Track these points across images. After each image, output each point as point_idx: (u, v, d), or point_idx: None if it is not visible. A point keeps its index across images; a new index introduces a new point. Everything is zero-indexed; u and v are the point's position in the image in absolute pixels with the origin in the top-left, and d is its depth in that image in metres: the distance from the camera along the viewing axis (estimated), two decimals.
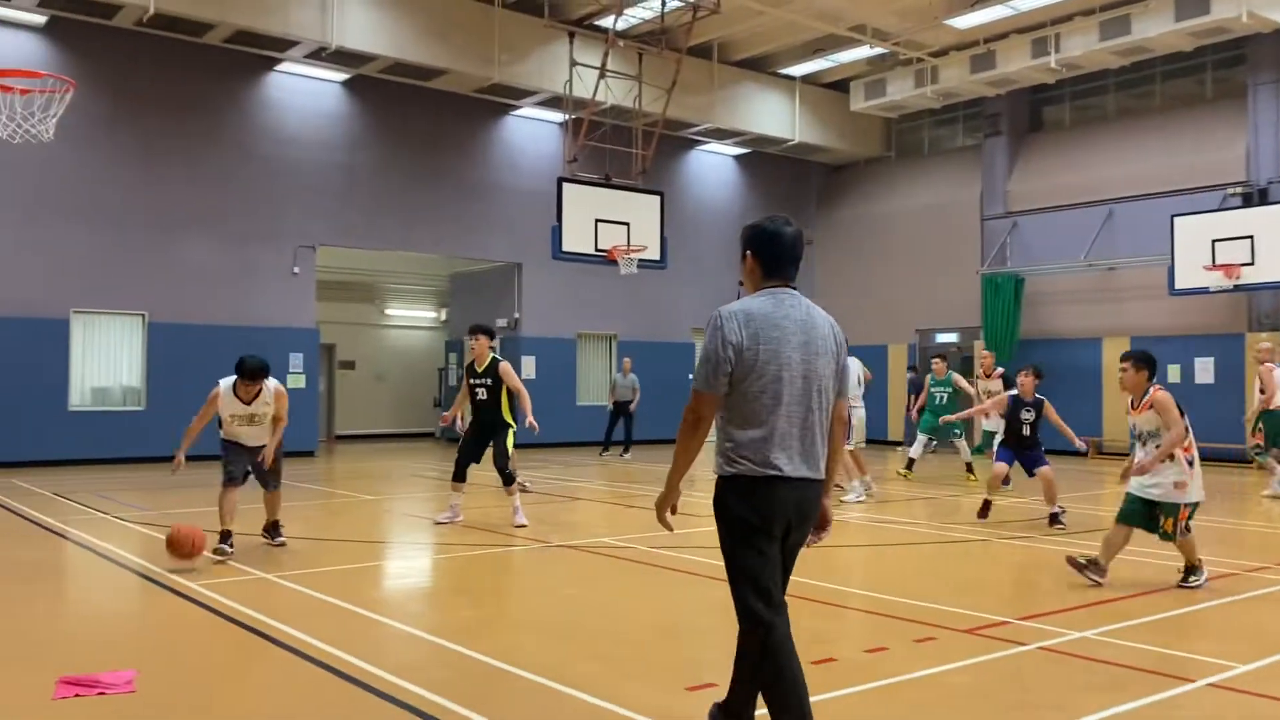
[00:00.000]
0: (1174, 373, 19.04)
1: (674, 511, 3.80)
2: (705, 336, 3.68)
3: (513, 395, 10.06)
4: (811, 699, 4.53)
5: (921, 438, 15.31)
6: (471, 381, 10.05)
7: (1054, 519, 10.16)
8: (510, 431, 10.07)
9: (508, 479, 10.06)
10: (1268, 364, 12.79)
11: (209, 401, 8.23)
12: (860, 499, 12.08)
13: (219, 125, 18.11)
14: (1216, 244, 17.38)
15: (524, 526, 9.80)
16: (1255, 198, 17.97)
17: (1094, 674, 5.02)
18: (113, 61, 17.02)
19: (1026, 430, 10.38)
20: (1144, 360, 7.21)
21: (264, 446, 8.42)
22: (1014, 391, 10.59)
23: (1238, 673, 5.00)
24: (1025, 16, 18.89)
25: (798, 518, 3.67)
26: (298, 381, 18.66)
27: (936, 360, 15.34)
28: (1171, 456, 6.93)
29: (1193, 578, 7.08)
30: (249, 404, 8.23)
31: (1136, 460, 7.14)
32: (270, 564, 7.87)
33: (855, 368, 12.71)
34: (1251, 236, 17.02)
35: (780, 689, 3.59)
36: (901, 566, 8.36)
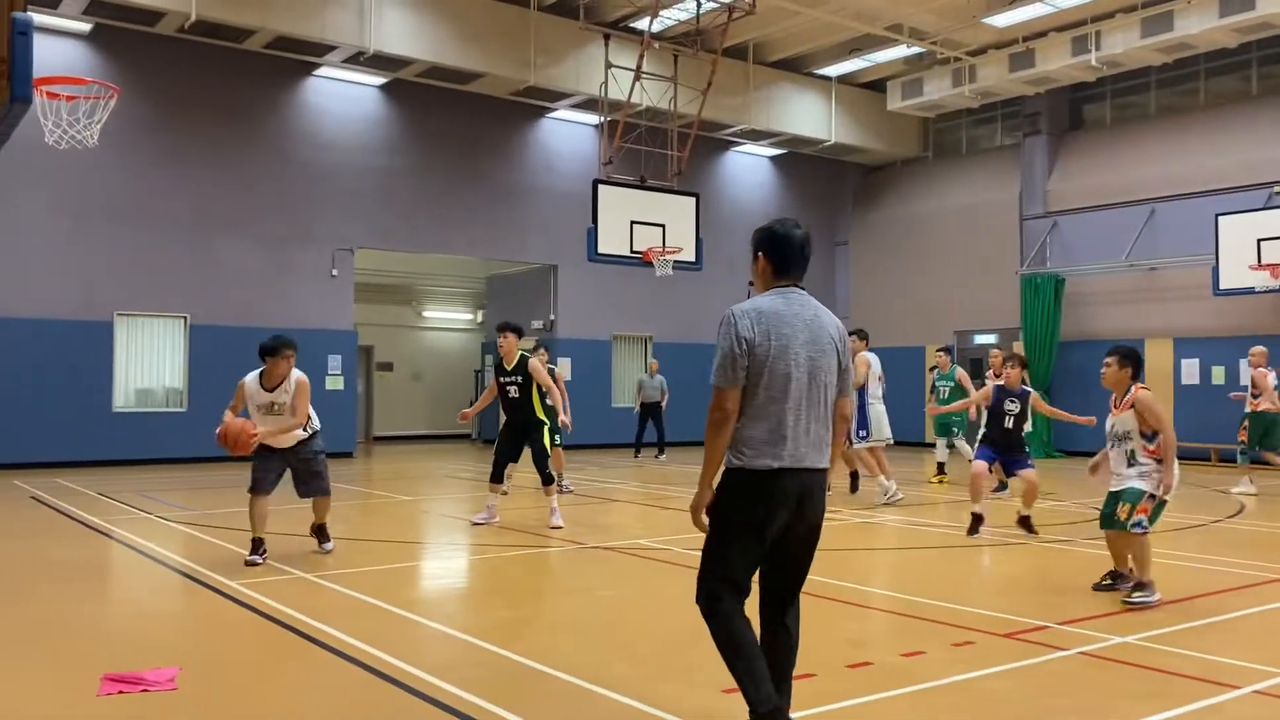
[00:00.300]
0: (1218, 374, 18.74)
1: (710, 513, 3.84)
2: (719, 335, 3.80)
3: (544, 392, 10.05)
4: (848, 703, 4.52)
5: (940, 440, 15.09)
6: (501, 380, 10.02)
7: (1026, 523, 9.42)
8: (545, 429, 10.07)
9: (546, 479, 10.08)
10: (1261, 368, 13.23)
11: (236, 394, 8.02)
12: (891, 499, 11.94)
13: (258, 129, 18.35)
14: (1262, 243, 17.07)
15: (559, 528, 9.81)
16: None
17: (1137, 680, 4.94)
18: (155, 68, 17.30)
19: (1009, 422, 9.48)
20: (1128, 357, 6.89)
21: (295, 450, 8.18)
22: (999, 381, 9.80)
23: None
24: (1065, 14, 18.67)
25: (798, 507, 3.76)
26: (336, 383, 18.86)
27: (940, 354, 15.14)
28: (1159, 460, 6.66)
29: (1139, 594, 6.56)
30: (271, 391, 7.91)
31: (1096, 459, 7.11)
32: (310, 564, 7.96)
33: (876, 365, 12.59)
34: None
35: (747, 674, 3.69)
36: (937, 569, 8.29)
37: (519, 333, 10.14)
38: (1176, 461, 6.78)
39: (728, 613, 3.75)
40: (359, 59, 17.80)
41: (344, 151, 19.15)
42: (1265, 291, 17.33)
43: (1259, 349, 13.61)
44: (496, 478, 10.17)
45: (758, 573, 3.89)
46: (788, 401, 3.73)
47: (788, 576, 3.90)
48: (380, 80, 19.24)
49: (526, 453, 10.15)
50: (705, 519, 3.84)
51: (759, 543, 3.75)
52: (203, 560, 8.04)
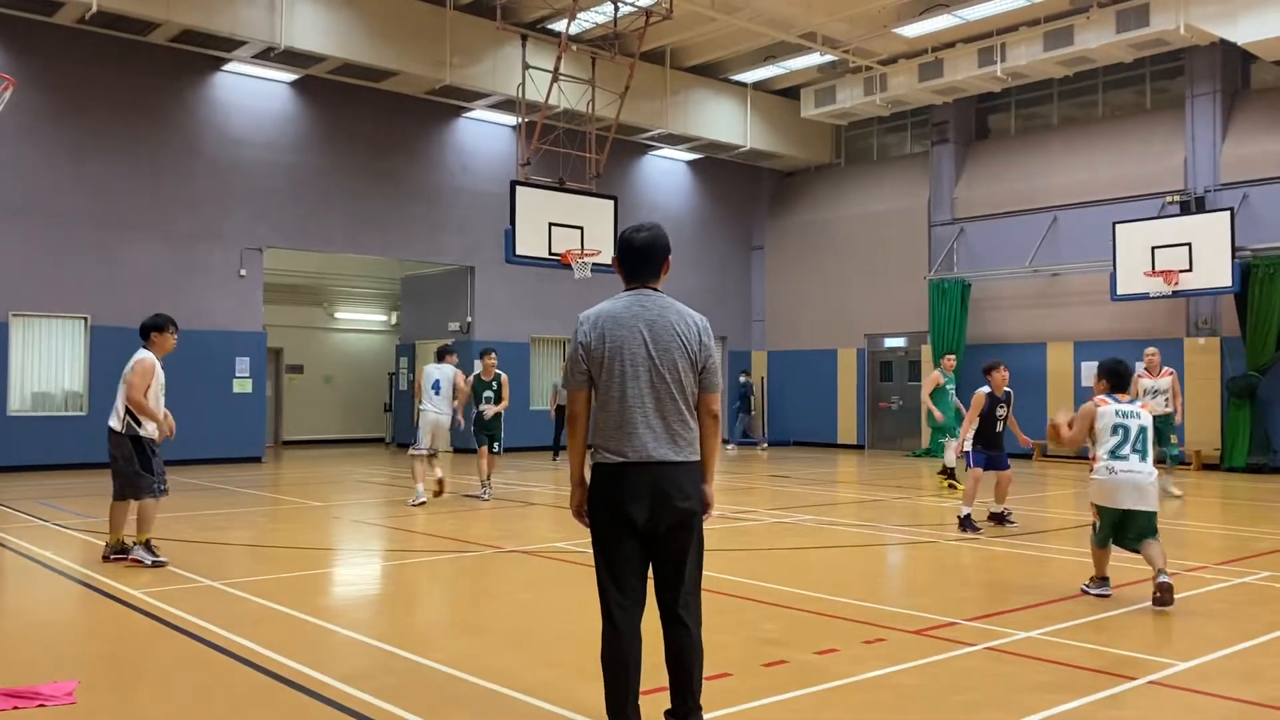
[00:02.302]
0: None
1: (581, 507, 4.03)
2: None
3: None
4: (764, 701, 4.58)
5: (951, 442, 14.24)
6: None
7: (1000, 518, 10.36)
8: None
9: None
10: (1146, 375, 13.02)
11: (144, 373, 7.88)
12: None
13: (164, 125, 17.81)
14: (1156, 250, 17.79)
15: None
16: (1193, 206, 18.41)
17: (1039, 673, 5.10)
18: (54, 59, 16.67)
19: (1000, 426, 10.32)
20: (1100, 371, 7.21)
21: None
22: (987, 388, 10.35)
23: (1178, 670, 5.12)
24: (972, 26, 19.21)
25: (656, 499, 3.83)
26: (244, 386, 18.41)
27: (948, 356, 14.81)
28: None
29: (1089, 585, 7.01)
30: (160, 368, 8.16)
31: None
32: (216, 571, 7.75)
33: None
34: (1189, 244, 17.44)
35: (609, 675, 3.85)
36: (851, 568, 8.44)
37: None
38: (1093, 471, 6.99)
39: (604, 626, 3.87)
40: (269, 55, 17.40)
41: (254, 149, 18.70)
42: (1159, 297, 18.06)
43: (1153, 351, 13.23)
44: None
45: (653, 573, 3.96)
46: (627, 398, 3.86)
47: (665, 572, 3.92)
48: (291, 76, 18.84)
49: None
50: (585, 518, 4.01)
51: (628, 536, 3.85)
52: (103, 569, 7.76)
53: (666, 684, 3.89)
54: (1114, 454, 6.78)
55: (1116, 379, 7.09)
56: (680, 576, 3.91)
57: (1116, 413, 6.90)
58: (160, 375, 8.10)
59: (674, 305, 4.02)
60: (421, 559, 8.82)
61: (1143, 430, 6.82)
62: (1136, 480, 6.71)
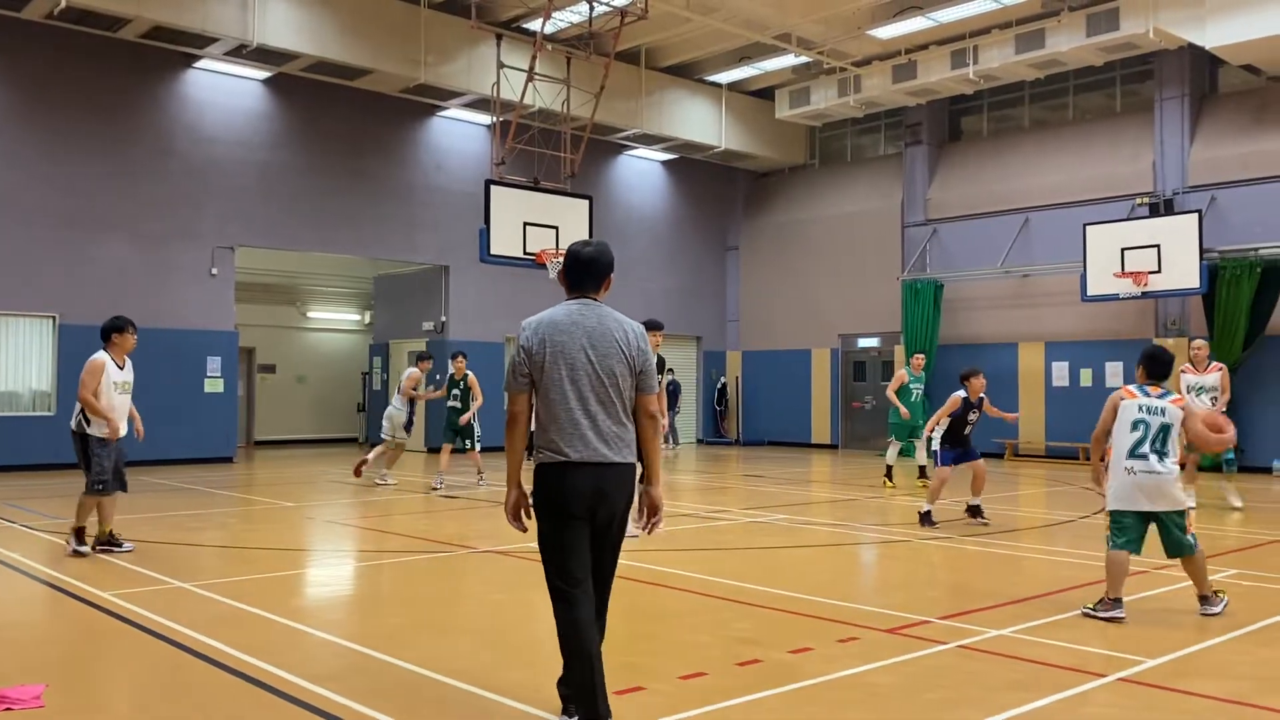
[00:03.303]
0: (1086, 376, 19.67)
1: (528, 513, 4.23)
2: None
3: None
4: (739, 700, 4.60)
5: (902, 443, 14.62)
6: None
7: (976, 511, 10.54)
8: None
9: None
10: (1191, 370, 12.83)
11: (94, 372, 8.20)
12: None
13: (135, 122, 17.63)
14: (1126, 252, 17.98)
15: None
16: (1161, 208, 18.63)
17: (1011, 671, 5.15)
18: (22, 55, 16.45)
19: (968, 430, 10.54)
20: (1140, 359, 6.73)
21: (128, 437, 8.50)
22: (962, 393, 10.54)
23: (1147, 667, 5.19)
24: (945, 28, 19.35)
25: (596, 498, 4.08)
26: (216, 386, 18.25)
27: (917, 356, 15.03)
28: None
29: (1096, 608, 6.39)
30: (123, 369, 8.42)
31: None
32: (187, 572, 7.68)
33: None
34: (1158, 245, 17.64)
35: (573, 666, 4.05)
36: (824, 567, 8.48)
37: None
38: (1105, 469, 6.69)
39: (556, 608, 4.11)
40: (242, 52, 17.27)
41: (226, 146, 18.54)
42: (1129, 298, 18.26)
43: (1203, 344, 12.08)
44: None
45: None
46: (568, 401, 4.09)
47: (593, 567, 4.18)
48: (264, 74, 18.70)
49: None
50: (522, 520, 4.25)
51: (576, 530, 4.09)
52: (71, 570, 7.68)
53: (638, 685, 3.90)
54: (1132, 452, 6.40)
55: (1153, 364, 6.62)
56: (611, 567, 4.24)
57: (1140, 407, 6.46)
58: (119, 374, 8.35)
59: (613, 314, 4.25)
60: (394, 559, 8.78)
61: (1165, 428, 6.38)
62: (1156, 480, 6.33)
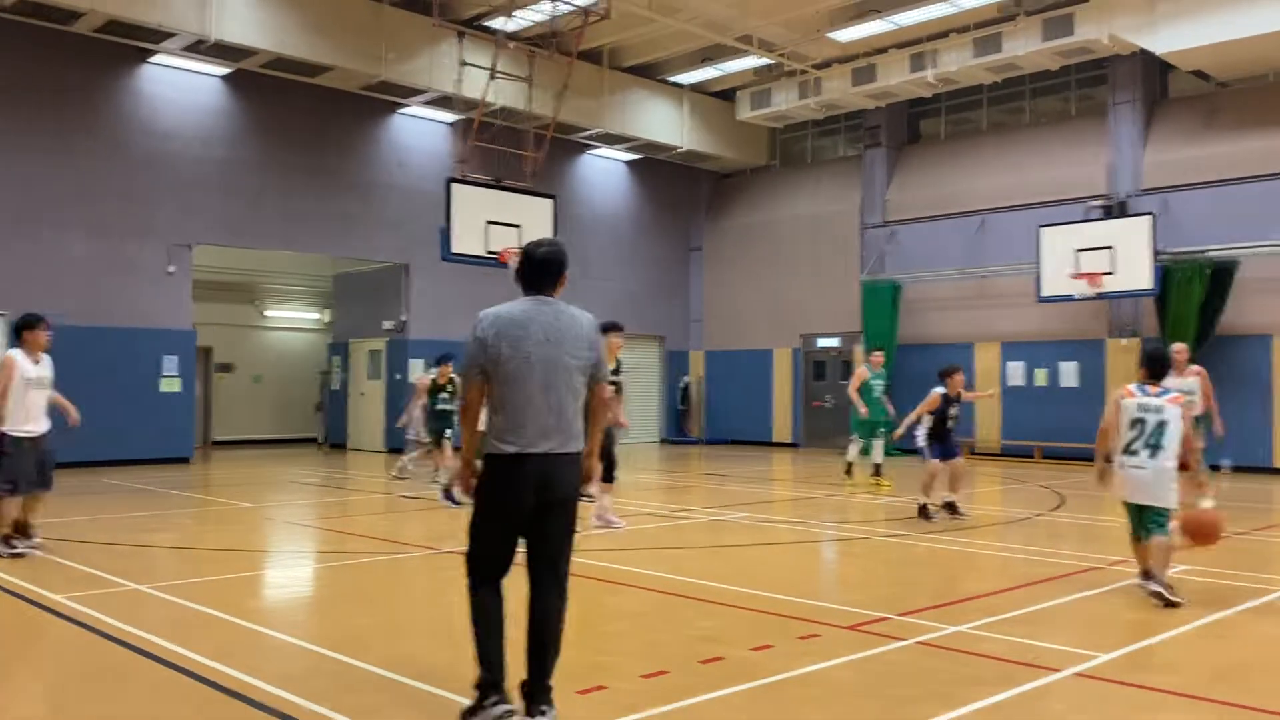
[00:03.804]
0: (1041, 376, 19.96)
1: (470, 488, 4.40)
2: None
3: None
4: (701, 698, 4.63)
5: (864, 441, 14.64)
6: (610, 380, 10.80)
7: (953, 508, 10.83)
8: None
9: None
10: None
11: (4, 368, 8.10)
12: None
13: (90, 117, 17.32)
14: (1080, 254, 18.27)
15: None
16: (1115, 210, 18.94)
17: (969, 667, 5.23)
18: None
19: (951, 424, 10.94)
20: (1140, 358, 7.27)
21: (45, 435, 8.35)
22: (941, 389, 10.87)
23: (1100, 661, 5.28)
24: (904, 32, 19.53)
25: (542, 487, 4.24)
26: (172, 385, 17.99)
27: (876, 353, 15.11)
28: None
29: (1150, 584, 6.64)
30: (38, 364, 8.33)
31: None
32: (142, 574, 7.58)
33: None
34: (1112, 247, 17.95)
35: (491, 648, 4.27)
36: (786, 565, 8.54)
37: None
38: (1105, 464, 7.00)
39: (478, 589, 4.33)
40: (200, 47, 17.03)
41: (183, 143, 18.28)
42: (1083, 299, 18.56)
43: (1183, 347, 12.09)
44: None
45: (526, 549, 4.35)
46: (523, 393, 4.24)
47: (540, 548, 4.33)
48: (223, 70, 18.45)
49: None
50: (470, 494, 4.42)
51: (507, 520, 4.27)
52: (21, 573, 7.54)
53: (600, 684, 3.91)
54: (1127, 449, 6.82)
55: (1154, 364, 7.04)
56: (551, 554, 4.33)
57: (1139, 406, 6.85)
58: (33, 370, 8.26)
59: (567, 309, 4.42)
60: (356, 560, 8.72)
61: (1161, 425, 6.74)
62: (1139, 476, 6.74)
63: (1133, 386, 6.99)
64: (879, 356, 15.06)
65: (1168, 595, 6.52)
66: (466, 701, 4.57)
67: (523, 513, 4.25)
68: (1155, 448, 6.72)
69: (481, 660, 4.25)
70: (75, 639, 5.80)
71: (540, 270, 4.45)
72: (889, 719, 4.46)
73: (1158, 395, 6.86)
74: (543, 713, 4.21)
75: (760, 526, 10.65)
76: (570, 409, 4.31)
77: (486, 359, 4.28)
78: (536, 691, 4.26)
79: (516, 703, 4.22)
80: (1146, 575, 6.72)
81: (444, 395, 13.84)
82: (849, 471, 14.58)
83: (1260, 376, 17.29)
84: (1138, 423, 6.81)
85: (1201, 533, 6.86)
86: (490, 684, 4.24)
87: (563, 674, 4.65)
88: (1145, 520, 6.78)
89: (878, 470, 14.50)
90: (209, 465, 18.50)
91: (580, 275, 23.11)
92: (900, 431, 12.25)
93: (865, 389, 14.48)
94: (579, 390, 4.36)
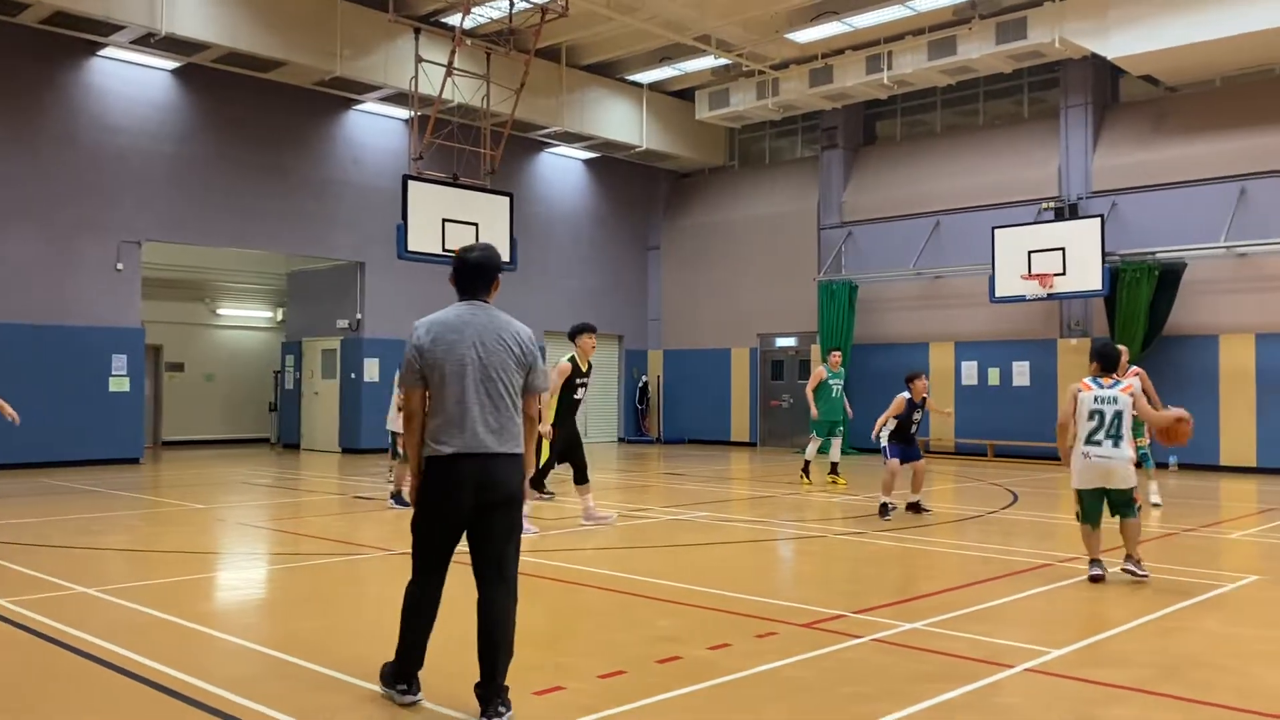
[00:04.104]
0: (994, 375, 20.22)
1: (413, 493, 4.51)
2: None
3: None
4: (659, 697, 4.62)
5: (822, 440, 14.73)
6: (579, 381, 10.23)
7: (917, 507, 11.17)
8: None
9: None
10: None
11: None
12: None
13: (36, 112, 16.96)
14: (1032, 255, 18.54)
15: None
16: (1066, 212, 19.24)
17: (923, 663, 5.27)
18: None
19: (914, 428, 11.27)
20: (1090, 354, 7.70)
21: None
22: (906, 394, 11.17)
23: (1052, 657, 5.35)
24: (861, 34, 19.69)
25: (480, 487, 4.34)
26: (121, 385, 17.67)
27: (834, 352, 15.27)
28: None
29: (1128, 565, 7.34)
30: None
31: None
32: (90, 577, 7.43)
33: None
34: (1063, 248, 18.23)
35: (413, 642, 4.49)
36: (743, 564, 8.57)
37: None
38: (1072, 452, 7.45)
39: (415, 582, 4.52)
40: (149, 41, 16.73)
41: (132, 137, 17.96)
42: (1035, 299, 18.83)
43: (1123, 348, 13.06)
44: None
45: (471, 550, 4.47)
46: (458, 396, 4.34)
47: (484, 548, 4.43)
48: (173, 64, 18.15)
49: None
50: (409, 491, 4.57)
51: (446, 520, 4.39)
52: None
53: (558, 685, 3.89)
54: (1089, 439, 7.28)
55: (1103, 358, 7.52)
56: (495, 552, 4.42)
57: (1095, 398, 7.33)
58: None
59: (501, 316, 4.52)
60: (310, 562, 8.61)
61: (1118, 415, 7.25)
62: (1107, 464, 7.24)
63: (1088, 380, 7.45)
64: (837, 356, 15.24)
65: (1141, 571, 7.27)
66: (424, 704, 4.53)
67: (461, 512, 4.35)
68: (1116, 436, 7.22)
69: (399, 650, 4.46)
70: (20, 643, 5.66)
71: (474, 275, 4.55)
72: (844, 716, 4.49)
73: (1111, 387, 7.33)
74: (499, 713, 4.22)
75: (718, 525, 10.68)
76: (506, 411, 4.41)
77: (424, 365, 4.38)
78: (491, 693, 4.28)
79: (469, 707, 4.25)
80: (1128, 559, 7.36)
81: None
82: (806, 470, 14.67)
83: (1206, 376, 17.66)
84: (1096, 414, 7.26)
85: (1175, 433, 7.30)
86: (400, 674, 4.47)
87: (520, 675, 4.63)
88: (1117, 504, 7.32)
89: (834, 469, 14.74)
90: (159, 466, 18.19)
91: (538, 274, 23.13)
92: (875, 434, 12.44)
93: (823, 388, 14.63)
94: (516, 393, 4.46)
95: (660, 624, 6.16)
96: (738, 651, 5.44)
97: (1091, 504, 7.39)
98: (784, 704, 4.63)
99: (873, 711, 4.47)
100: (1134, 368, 12.17)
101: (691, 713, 4.51)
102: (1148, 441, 12.09)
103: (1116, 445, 7.21)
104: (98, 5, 15.67)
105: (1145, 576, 7.26)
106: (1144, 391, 11.69)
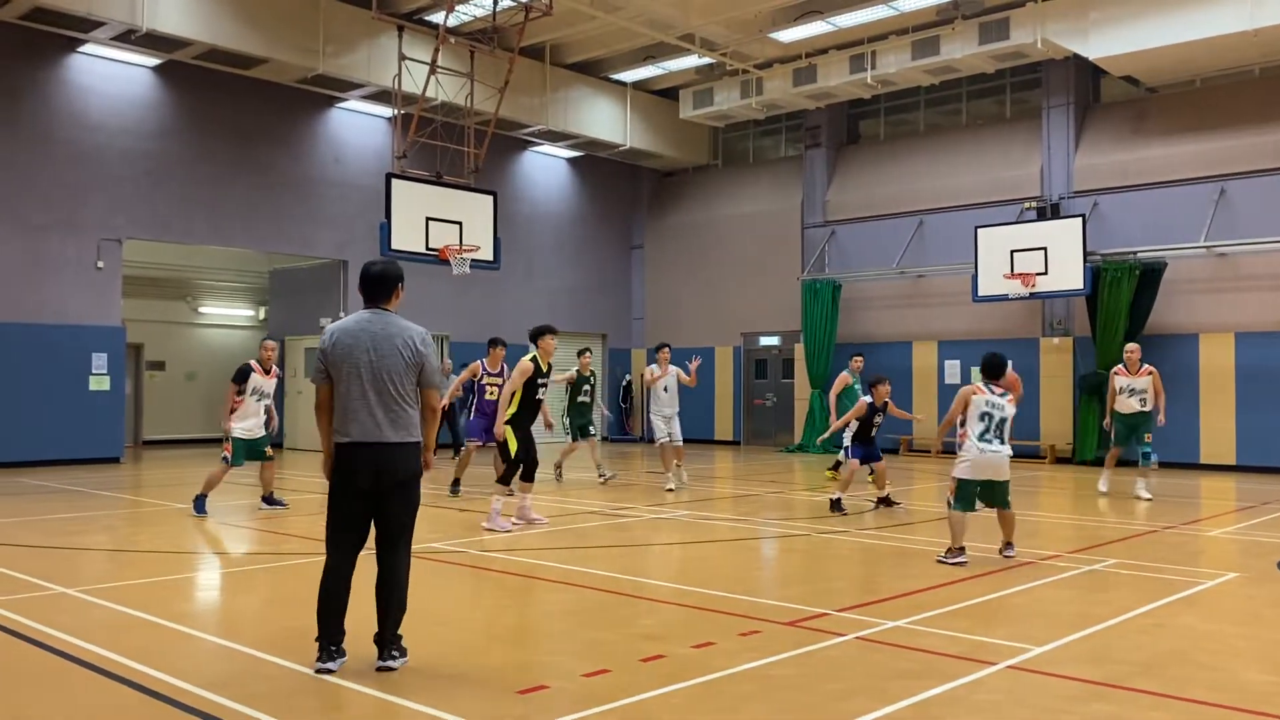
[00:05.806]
0: (976, 375, 20.23)
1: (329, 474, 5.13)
2: None
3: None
4: (643, 696, 4.62)
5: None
6: (541, 381, 10.15)
7: (887, 501, 11.64)
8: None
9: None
10: (1123, 373, 12.92)
11: None
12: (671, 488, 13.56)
13: (16, 108, 16.81)
14: (1015, 254, 18.62)
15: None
16: (1048, 212, 19.35)
17: (906, 661, 5.29)
18: None
19: (874, 431, 11.58)
20: (981, 364, 8.61)
21: None
22: (869, 398, 11.48)
23: (1033, 654, 5.38)
24: (844, 33, 19.74)
25: (377, 472, 5.00)
26: (101, 384, 17.55)
27: (856, 358, 15.23)
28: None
29: (947, 556, 8.09)
30: None
31: None
32: (68, 577, 7.37)
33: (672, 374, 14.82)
34: (1045, 248, 18.32)
35: (325, 608, 5.07)
36: (727, 562, 8.57)
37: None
38: (961, 446, 8.25)
39: (328, 559, 5.12)
40: (130, 37, 16.61)
41: (113, 135, 17.82)
42: (1018, 298, 18.92)
43: (1135, 348, 12.95)
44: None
45: (375, 529, 5.12)
46: (355, 392, 5.01)
47: (384, 526, 5.12)
48: (154, 61, 18.03)
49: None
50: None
51: (349, 498, 5.05)
52: None
53: (542, 684, 3.88)
54: (982, 437, 8.09)
55: (989, 369, 8.39)
56: (403, 526, 5.14)
57: (987, 402, 8.17)
58: None
59: (397, 321, 5.15)
60: (291, 562, 8.57)
61: (1003, 420, 8.16)
62: (997, 460, 8.09)
63: (980, 384, 8.30)
64: (859, 362, 15.09)
65: (1012, 553, 8.23)
66: (405, 703, 4.53)
67: (362, 492, 5.01)
68: (1001, 436, 8.12)
69: (318, 623, 5.04)
70: None
71: (376, 286, 5.20)
72: (827, 714, 4.50)
73: (1000, 395, 8.22)
74: (394, 656, 4.99)
75: (702, 524, 10.69)
76: (398, 405, 5.04)
77: (328, 365, 5.07)
78: (385, 641, 5.03)
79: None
80: (1008, 545, 8.30)
81: (585, 388, 14.56)
82: (836, 467, 15.08)
83: (1187, 375, 17.79)
84: (986, 415, 8.11)
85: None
86: (322, 644, 5.02)
87: (503, 673, 4.63)
88: (1001, 495, 8.12)
89: (837, 466, 15.10)
90: (140, 465, 18.07)
91: (522, 273, 23.09)
92: (826, 435, 13.24)
93: (849, 393, 14.41)
94: (406, 389, 5.08)
95: (644, 623, 6.15)
96: (721, 650, 5.44)
97: (973, 493, 8.12)
98: (767, 702, 4.64)
99: (856, 709, 4.48)
100: (1147, 366, 12.86)
101: (675, 711, 4.51)
102: (1149, 440, 12.80)
103: (1003, 443, 8.10)
104: (79, 1, 15.54)
105: (1014, 556, 8.21)
106: (1154, 389, 12.61)
